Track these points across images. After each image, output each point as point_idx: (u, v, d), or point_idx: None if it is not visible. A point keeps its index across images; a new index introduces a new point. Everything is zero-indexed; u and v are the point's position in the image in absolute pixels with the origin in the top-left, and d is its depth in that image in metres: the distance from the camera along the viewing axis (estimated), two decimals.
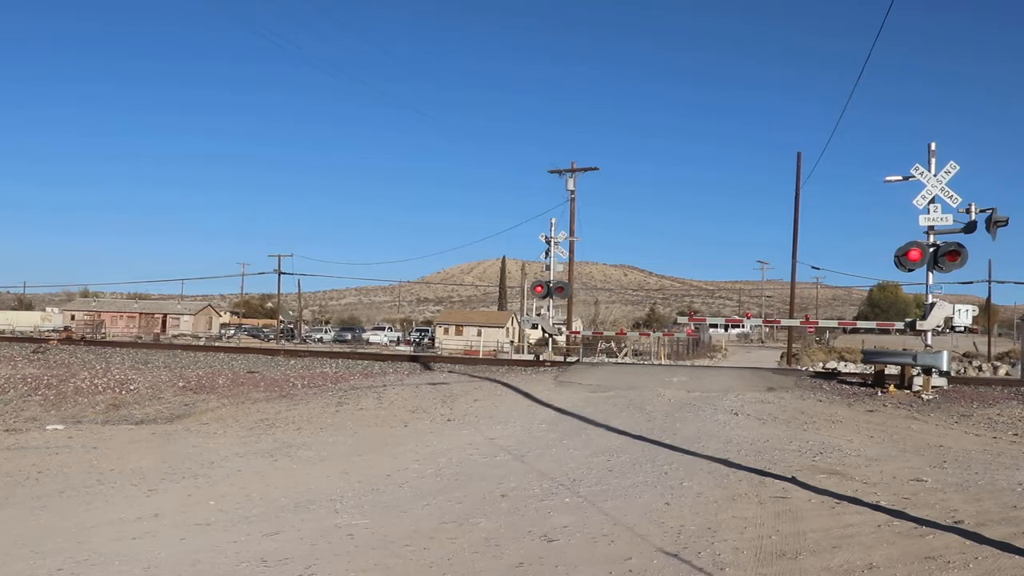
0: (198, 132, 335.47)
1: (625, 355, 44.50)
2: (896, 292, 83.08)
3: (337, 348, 49.37)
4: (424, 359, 22.90)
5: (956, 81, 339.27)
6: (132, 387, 16.10)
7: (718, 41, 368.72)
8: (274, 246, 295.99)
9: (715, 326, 19.90)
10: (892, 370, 16.03)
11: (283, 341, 60.77)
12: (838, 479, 7.68)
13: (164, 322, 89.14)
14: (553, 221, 21.67)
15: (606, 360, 34.39)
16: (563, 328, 24.81)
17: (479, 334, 63.20)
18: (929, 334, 15.56)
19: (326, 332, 76.48)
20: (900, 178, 15.43)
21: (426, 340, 65.83)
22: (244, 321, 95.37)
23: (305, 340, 68.21)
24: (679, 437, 10.23)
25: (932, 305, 15.39)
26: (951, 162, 14.92)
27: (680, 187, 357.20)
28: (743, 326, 20.31)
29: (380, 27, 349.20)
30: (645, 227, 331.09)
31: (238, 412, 13.45)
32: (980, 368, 38.49)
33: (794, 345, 39.69)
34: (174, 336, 71.81)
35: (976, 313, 15.92)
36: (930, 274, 15.34)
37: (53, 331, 61.99)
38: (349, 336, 70.31)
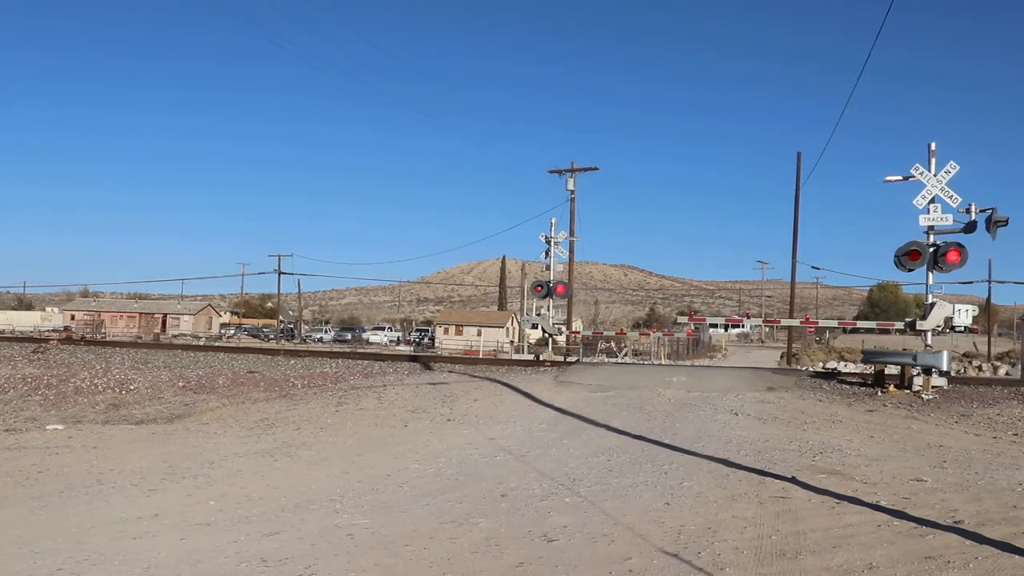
0: (198, 132, 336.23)
1: (625, 355, 44.49)
2: (896, 292, 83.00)
3: (337, 348, 49.36)
4: (424, 359, 22.89)
5: (956, 81, 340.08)
6: (132, 387, 16.09)
7: (718, 41, 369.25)
8: (274, 246, 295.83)
9: (715, 326, 19.88)
10: (892, 370, 16.03)
11: (283, 341, 60.75)
12: (838, 479, 7.68)
13: (164, 322, 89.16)
14: (553, 221, 21.68)
15: (606, 360, 34.38)
16: (563, 328, 24.78)
17: (479, 334, 63.23)
18: (929, 334, 15.55)
19: (326, 332, 76.48)
20: (900, 178, 15.43)
21: (426, 340, 65.85)
22: (244, 321, 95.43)
23: (305, 340, 68.19)
24: (679, 437, 10.22)
25: (932, 305, 15.39)
26: (951, 162, 14.93)
27: (680, 187, 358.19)
28: (743, 326, 20.29)
29: (380, 27, 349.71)
30: (645, 227, 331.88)
31: (238, 412, 13.45)
32: (980, 368, 38.47)
33: (794, 345, 39.69)
34: (174, 336, 71.80)
35: (976, 313, 15.91)
36: (930, 274, 15.33)
37: (53, 331, 62.03)
38: (349, 336, 70.35)
